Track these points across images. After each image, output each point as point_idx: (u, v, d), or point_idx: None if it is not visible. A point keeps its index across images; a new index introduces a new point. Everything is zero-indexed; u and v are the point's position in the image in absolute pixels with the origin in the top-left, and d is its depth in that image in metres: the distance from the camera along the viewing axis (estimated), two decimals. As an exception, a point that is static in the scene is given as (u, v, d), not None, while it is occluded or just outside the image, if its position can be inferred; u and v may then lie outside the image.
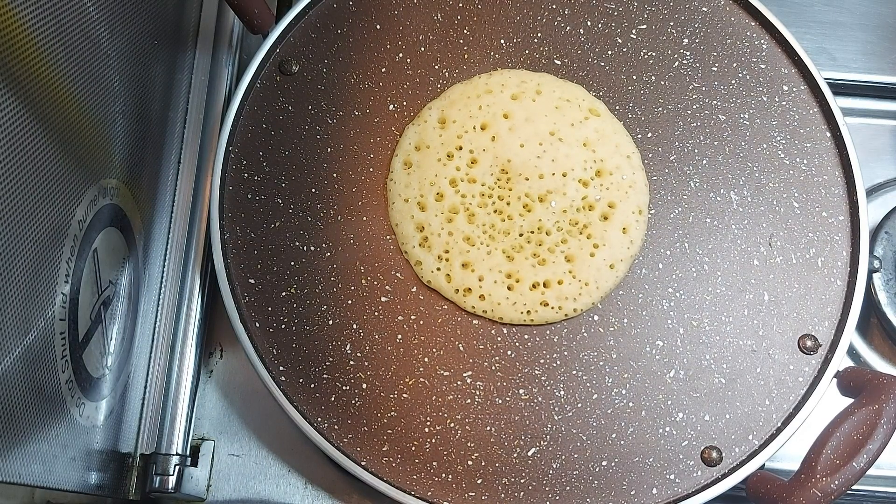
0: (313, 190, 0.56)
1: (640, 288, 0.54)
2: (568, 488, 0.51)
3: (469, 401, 0.52)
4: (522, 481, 0.51)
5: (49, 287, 0.42)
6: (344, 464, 0.51)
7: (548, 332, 0.54)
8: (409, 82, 0.59)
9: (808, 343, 0.53)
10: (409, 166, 0.56)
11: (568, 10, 0.60)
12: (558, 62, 0.59)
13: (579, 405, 0.52)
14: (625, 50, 0.59)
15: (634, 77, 0.59)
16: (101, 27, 0.47)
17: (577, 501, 0.51)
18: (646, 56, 0.59)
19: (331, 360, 0.53)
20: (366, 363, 0.53)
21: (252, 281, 0.54)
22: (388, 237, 0.55)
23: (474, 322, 0.54)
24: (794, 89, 0.58)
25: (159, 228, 0.59)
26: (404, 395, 0.52)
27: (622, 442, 0.52)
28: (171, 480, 0.55)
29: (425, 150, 0.56)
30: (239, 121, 0.57)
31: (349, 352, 0.53)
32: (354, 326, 0.53)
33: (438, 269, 0.54)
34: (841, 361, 0.52)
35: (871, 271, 0.59)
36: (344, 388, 0.52)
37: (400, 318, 0.54)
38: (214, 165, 0.56)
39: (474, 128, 0.57)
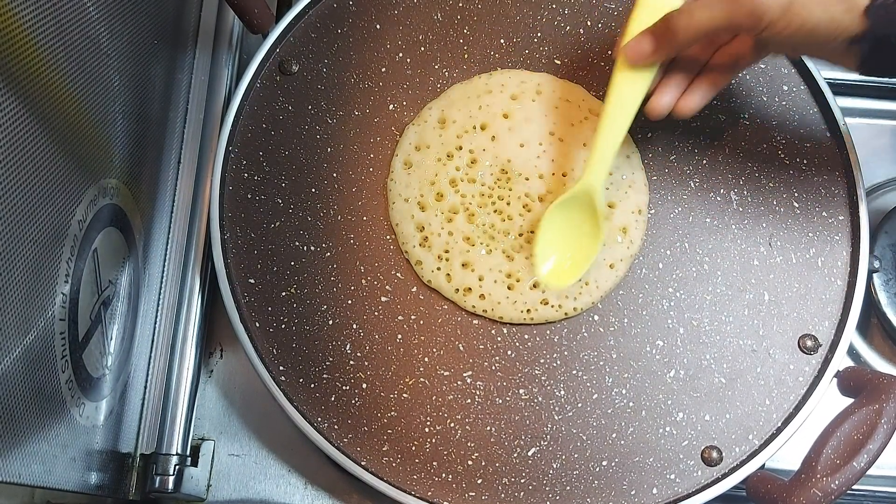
0: (313, 190, 0.56)
1: (640, 288, 0.54)
2: (568, 488, 0.51)
3: (469, 401, 0.52)
4: (522, 481, 0.51)
5: (49, 287, 0.42)
6: (344, 464, 0.51)
7: (548, 331, 0.54)
8: (409, 82, 0.59)
9: (808, 343, 0.53)
10: (410, 166, 0.56)
11: (568, 10, 0.60)
12: (558, 62, 0.59)
13: (579, 405, 0.52)
14: (625, 50, 0.59)
15: (634, 77, 0.59)
16: (101, 27, 0.47)
17: (577, 501, 0.51)
18: (646, 56, 0.59)
19: (331, 360, 0.53)
20: (366, 363, 0.53)
21: (252, 281, 0.54)
22: (388, 237, 0.55)
23: (474, 322, 0.54)
24: (794, 89, 0.58)
25: (159, 228, 0.59)
26: (404, 395, 0.52)
27: (622, 442, 0.52)
28: (171, 480, 0.55)
29: (425, 150, 0.56)
30: (239, 121, 0.57)
31: (349, 352, 0.53)
32: (354, 326, 0.53)
33: (438, 268, 0.54)
34: (841, 361, 0.52)
35: (871, 271, 0.59)
36: (344, 388, 0.52)
37: (400, 318, 0.54)
38: (214, 165, 0.56)
39: (474, 128, 0.57)
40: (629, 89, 0.49)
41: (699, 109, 0.51)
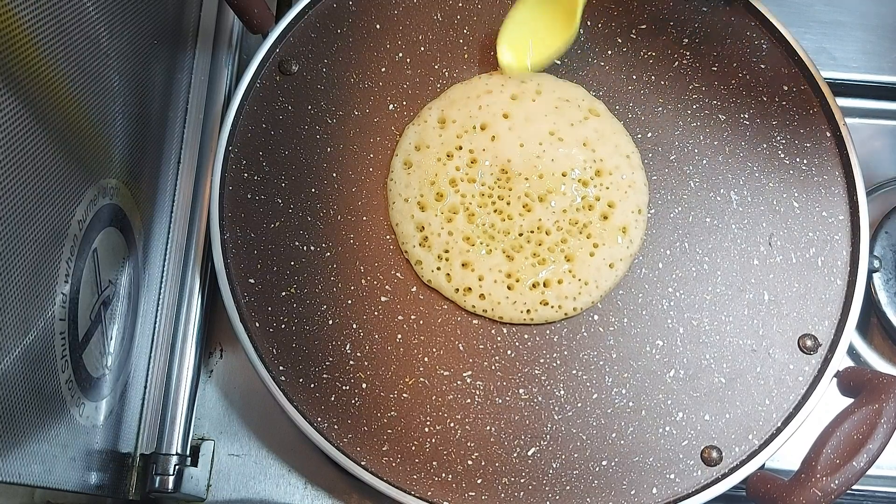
0: (313, 190, 0.56)
1: (640, 287, 0.54)
2: (568, 488, 0.51)
3: (469, 401, 0.52)
4: (522, 481, 0.51)
5: (49, 287, 0.42)
6: (344, 464, 0.51)
7: (548, 331, 0.54)
8: (409, 82, 0.59)
9: (808, 343, 0.53)
10: (410, 166, 0.56)
11: (568, 10, 0.60)
12: (558, 62, 0.59)
13: (579, 405, 0.52)
14: (625, 50, 0.59)
15: (634, 77, 0.59)
16: (101, 27, 0.47)
17: (577, 501, 0.51)
18: (646, 56, 0.59)
19: (331, 360, 0.53)
20: (366, 363, 0.53)
21: (252, 281, 0.54)
22: (388, 237, 0.55)
23: (474, 322, 0.54)
24: (794, 89, 0.58)
25: (159, 228, 0.59)
26: (404, 395, 0.52)
27: (622, 441, 0.52)
28: (171, 480, 0.55)
29: (425, 150, 0.56)
30: (239, 121, 0.57)
31: (349, 352, 0.53)
32: (354, 326, 0.53)
33: (438, 268, 0.54)
34: (841, 361, 0.52)
35: (871, 271, 0.59)
36: (344, 388, 0.52)
37: (400, 317, 0.54)
38: (214, 165, 0.56)
39: (474, 128, 0.57)
40: None
41: None
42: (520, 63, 0.57)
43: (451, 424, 0.52)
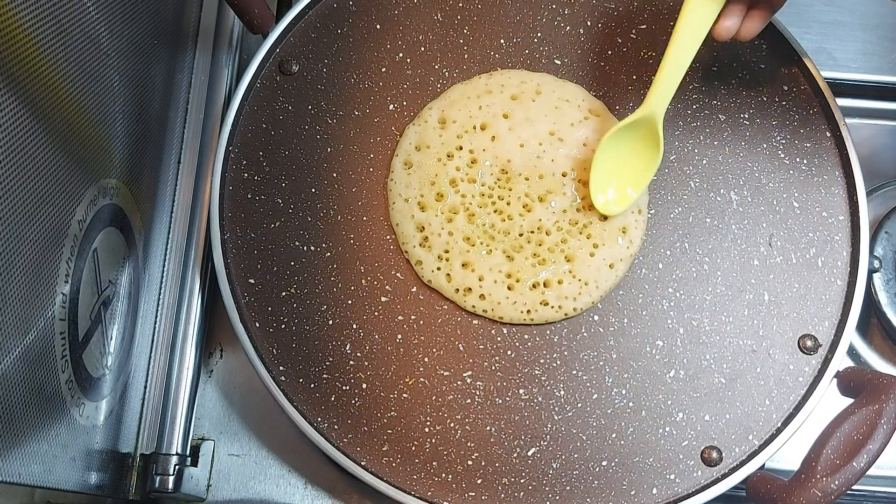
0: (313, 190, 0.56)
1: (640, 288, 0.54)
2: (568, 488, 0.51)
3: (469, 401, 0.52)
4: (522, 481, 0.51)
5: (49, 287, 0.42)
6: (344, 464, 0.51)
7: (548, 331, 0.54)
8: (409, 82, 0.59)
9: (808, 343, 0.53)
10: (410, 166, 0.56)
11: (568, 10, 0.60)
12: (558, 62, 0.59)
13: (579, 405, 0.52)
14: (625, 50, 0.59)
15: (634, 77, 0.59)
16: (101, 27, 0.47)
17: (577, 501, 0.51)
18: (646, 56, 0.59)
19: (331, 360, 0.53)
20: (366, 363, 0.53)
21: (252, 281, 0.54)
22: (388, 237, 0.55)
23: (474, 322, 0.54)
24: (794, 89, 0.58)
25: (159, 228, 0.59)
26: (404, 395, 0.52)
27: (622, 442, 0.52)
28: (171, 480, 0.55)
29: (425, 150, 0.56)
30: (239, 121, 0.57)
31: (349, 352, 0.53)
32: (354, 326, 0.53)
33: (439, 268, 0.54)
34: (841, 361, 0.52)
35: (871, 271, 0.59)
36: (344, 388, 0.52)
37: (400, 317, 0.54)
38: (214, 165, 0.56)
39: (474, 128, 0.57)
40: (702, 10, 0.50)
41: (757, 34, 0.52)
42: (620, 203, 0.54)
43: (451, 424, 0.52)
